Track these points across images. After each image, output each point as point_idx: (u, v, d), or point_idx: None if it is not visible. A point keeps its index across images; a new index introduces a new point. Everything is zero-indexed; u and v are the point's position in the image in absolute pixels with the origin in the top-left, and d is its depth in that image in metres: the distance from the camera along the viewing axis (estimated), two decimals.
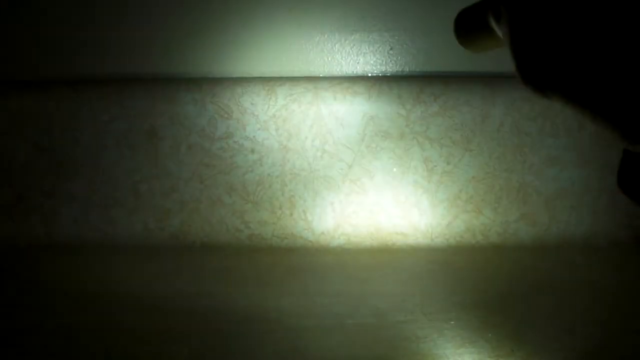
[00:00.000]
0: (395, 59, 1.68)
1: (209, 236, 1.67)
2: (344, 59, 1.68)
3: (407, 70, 1.69)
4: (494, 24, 0.32)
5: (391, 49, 1.67)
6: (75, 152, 1.68)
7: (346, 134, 1.66)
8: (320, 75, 1.68)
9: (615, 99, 0.21)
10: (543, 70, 0.24)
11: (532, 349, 1.05)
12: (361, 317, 1.19)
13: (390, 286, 1.38)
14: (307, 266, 1.54)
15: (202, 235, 1.67)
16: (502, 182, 1.67)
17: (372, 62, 1.69)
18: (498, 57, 0.56)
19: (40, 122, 1.67)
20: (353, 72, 1.69)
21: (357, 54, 1.68)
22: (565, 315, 1.19)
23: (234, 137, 1.67)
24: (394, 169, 1.67)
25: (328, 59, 1.67)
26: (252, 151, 1.67)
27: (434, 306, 1.25)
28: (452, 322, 1.16)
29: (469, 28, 0.42)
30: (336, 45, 1.67)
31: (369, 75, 1.69)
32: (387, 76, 1.68)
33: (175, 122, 1.67)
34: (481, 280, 1.43)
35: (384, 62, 1.68)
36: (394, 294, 1.32)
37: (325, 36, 1.66)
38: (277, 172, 1.68)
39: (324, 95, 1.65)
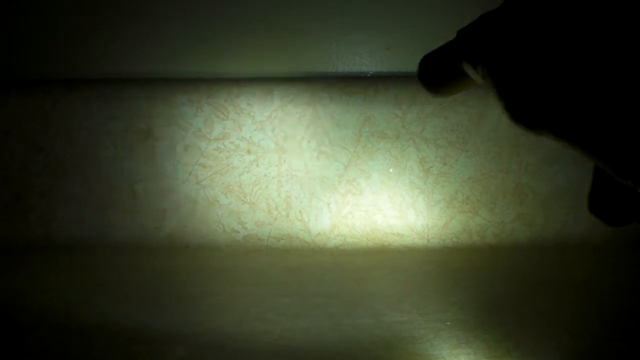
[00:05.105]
0: (391, 59, 1.68)
1: (205, 237, 1.67)
2: (340, 59, 1.68)
3: (404, 70, 1.69)
4: (471, 72, 0.32)
5: (387, 48, 1.67)
6: (72, 152, 1.68)
7: (342, 135, 1.66)
8: (317, 76, 1.68)
9: (604, 137, 0.22)
10: (532, 110, 0.25)
11: (528, 350, 1.06)
12: (358, 318, 1.19)
13: (387, 287, 1.38)
14: (304, 267, 1.54)
15: (198, 236, 1.67)
16: (498, 183, 1.67)
17: (368, 62, 1.69)
18: None
19: (38, 121, 1.67)
20: (349, 72, 1.69)
21: (354, 54, 1.68)
22: (561, 316, 1.20)
23: (230, 137, 1.67)
24: (390, 170, 1.67)
25: (324, 59, 1.67)
26: (249, 152, 1.67)
27: (430, 307, 1.25)
28: (449, 323, 1.17)
29: (440, 77, 0.42)
30: (332, 45, 1.67)
31: (365, 75, 1.69)
32: (384, 76, 1.68)
33: (171, 122, 1.66)
34: (477, 280, 1.43)
35: (380, 62, 1.68)
36: (390, 295, 1.32)
37: (322, 36, 1.66)
38: (274, 173, 1.68)
39: (320, 96, 1.65)
